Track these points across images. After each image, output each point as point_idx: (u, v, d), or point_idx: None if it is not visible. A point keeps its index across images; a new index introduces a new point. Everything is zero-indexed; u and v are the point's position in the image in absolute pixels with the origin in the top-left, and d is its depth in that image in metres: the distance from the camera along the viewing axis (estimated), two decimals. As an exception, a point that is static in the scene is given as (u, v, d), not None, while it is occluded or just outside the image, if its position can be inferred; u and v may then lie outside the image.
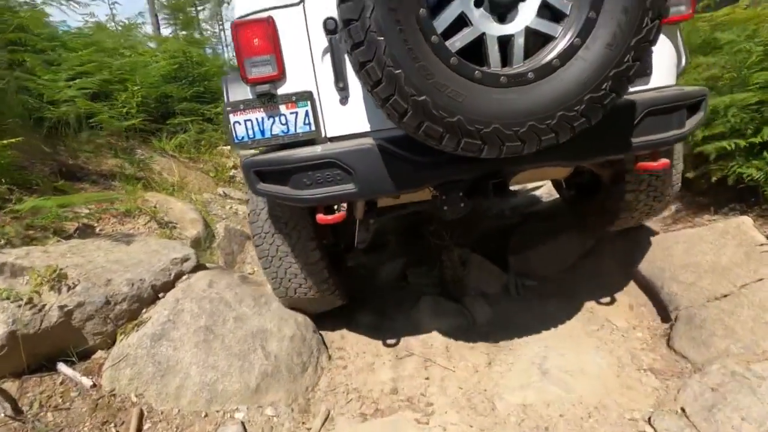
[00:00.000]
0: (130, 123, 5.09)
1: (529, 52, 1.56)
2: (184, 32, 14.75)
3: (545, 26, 1.54)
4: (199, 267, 2.89)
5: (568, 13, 1.53)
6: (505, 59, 1.56)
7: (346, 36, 1.43)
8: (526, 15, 1.54)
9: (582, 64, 1.49)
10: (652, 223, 3.35)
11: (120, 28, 8.58)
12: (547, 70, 1.49)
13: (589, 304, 2.93)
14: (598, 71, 1.48)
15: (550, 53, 1.51)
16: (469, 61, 1.48)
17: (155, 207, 3.81)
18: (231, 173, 6.08)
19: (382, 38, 1.39)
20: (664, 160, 2.00)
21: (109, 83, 5.55)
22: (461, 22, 1.52)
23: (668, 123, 1.83)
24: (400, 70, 1.41)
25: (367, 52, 1.41)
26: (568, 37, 1.51)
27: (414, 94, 1.43)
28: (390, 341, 2.86)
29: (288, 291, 2.51)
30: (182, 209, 3.89)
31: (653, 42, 1.50)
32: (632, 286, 2.92)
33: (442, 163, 1.75)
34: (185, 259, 2.74)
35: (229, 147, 6.44)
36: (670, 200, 2.75)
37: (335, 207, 2.38)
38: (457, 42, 1.51)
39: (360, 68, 1.46)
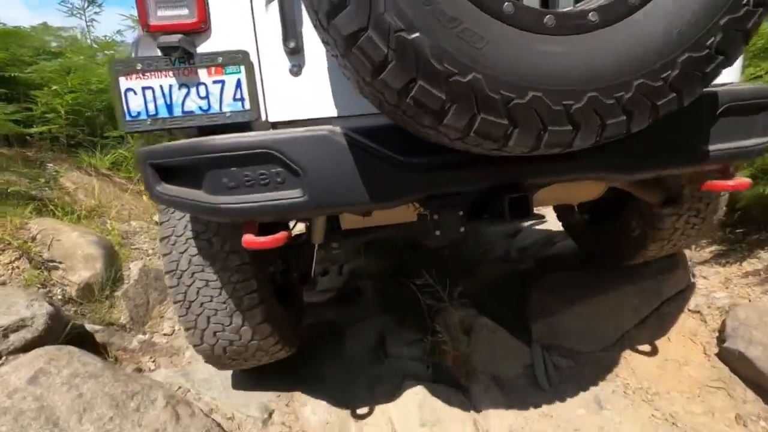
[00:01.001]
0: (42, 129, 4.05)
1: None
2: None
3: None
4: (48, 337, 1.79)
5: None
6: None
7: None
8: None
9: (674, 4, 1.02)
10: (736, 280, 2.34)
11: (96, 45, 7.74)
12: (620, 10, 1.02)
13: (666, 407, 1.88)
14: (702, 17, 1.02)
15: None
16: None
17: (34, 238, 2.72)
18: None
19: None
20: (743, 180, 1.52)
21: (27, 85, 4.56)
22: None
23: (751, 127, 1.41)
24: None
25: None
26: None
27: (401, 28, 0.92)
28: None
29: (205, 337, 1.79)
30: (76, 242, 2.80)
31: None
32: (734, 382, 1.88)
33: (437, 166, 1.30)
34: (16, 328, 1.66)
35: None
36: (715, 227, 2.22)
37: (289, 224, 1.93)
38: None
39: None
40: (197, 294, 1.73)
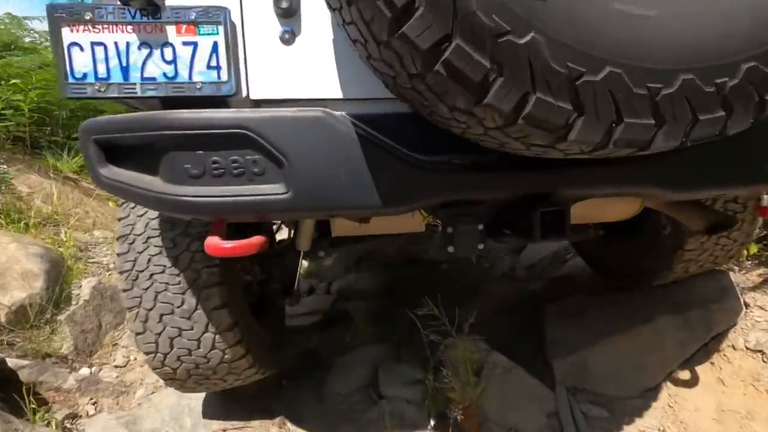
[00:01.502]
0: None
1: None
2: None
3: None
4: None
5: None
6: None
7: None
8: None
9: None
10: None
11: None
12: None
13: (732, 478, 1.49)
14: None
15: None
16: None
17: (-39, 250, 2.29)
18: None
19: None
20: None
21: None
22: None
23: None
24: None
25: None
26: None
27: None
28: None
29: (149, 321, 1.52)
30: (14, 255, 2.37)
31: None
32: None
33: (457, 166, 1.07)
34: None
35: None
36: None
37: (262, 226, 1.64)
38: None
39: None
40: (148, 262, 1.51)
